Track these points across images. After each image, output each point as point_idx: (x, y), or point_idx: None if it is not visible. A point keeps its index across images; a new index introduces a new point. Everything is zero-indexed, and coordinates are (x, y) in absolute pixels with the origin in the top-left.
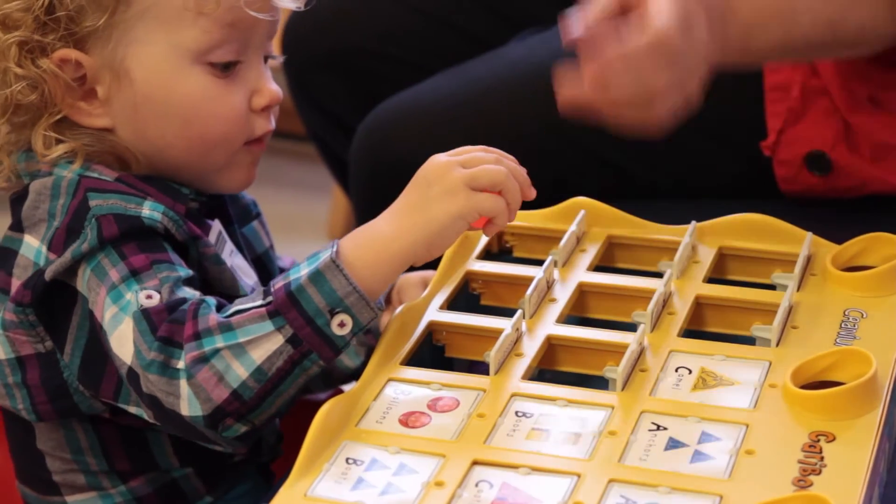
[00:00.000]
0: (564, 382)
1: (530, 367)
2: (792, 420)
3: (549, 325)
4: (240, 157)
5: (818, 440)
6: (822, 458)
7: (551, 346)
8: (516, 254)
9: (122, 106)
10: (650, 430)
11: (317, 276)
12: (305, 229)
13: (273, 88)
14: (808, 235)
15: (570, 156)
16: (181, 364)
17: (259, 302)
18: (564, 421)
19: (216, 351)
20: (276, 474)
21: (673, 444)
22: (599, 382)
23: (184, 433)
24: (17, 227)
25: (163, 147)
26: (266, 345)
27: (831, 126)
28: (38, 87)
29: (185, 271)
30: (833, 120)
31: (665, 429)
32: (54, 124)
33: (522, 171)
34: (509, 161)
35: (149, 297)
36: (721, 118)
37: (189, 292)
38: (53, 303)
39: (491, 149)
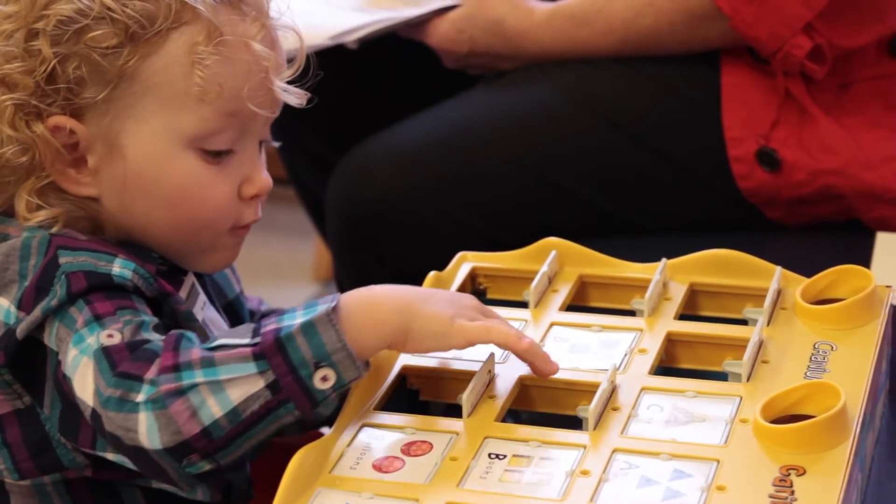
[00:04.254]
0: (538, 423)
1: (503, 409)
2: (762, 455)
3: (522, 367)
4: (224, 240)
5: (789, 474)
6: (792, 493)
7: (524, 388)
8: (490, 296)
9: (111, 178)
10: (622, 469)
11: (308, 328)
12: (290, 274)
13: (264, 178)
14: (778, 270)
15: (544, 195)
16: (140, 397)
17: (246, 340)
18: (537, 461)
19: (194, 385)
20: None
21: (645, 482)
22: (573, 422)
23: (150, 470)
24: None
25: (147, 224)
26: (245, 386)
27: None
28: (30, 151)
29: (149, 317)
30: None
31: (637, 467)
32: (38, 188)
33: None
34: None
35: (110, 336)
36: (688, 153)
37: (154, 335)
38: (28, 360)
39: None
